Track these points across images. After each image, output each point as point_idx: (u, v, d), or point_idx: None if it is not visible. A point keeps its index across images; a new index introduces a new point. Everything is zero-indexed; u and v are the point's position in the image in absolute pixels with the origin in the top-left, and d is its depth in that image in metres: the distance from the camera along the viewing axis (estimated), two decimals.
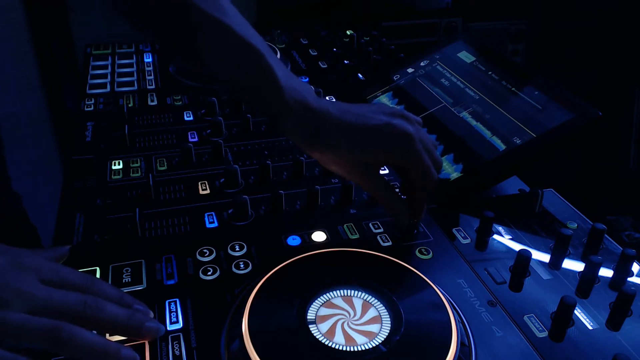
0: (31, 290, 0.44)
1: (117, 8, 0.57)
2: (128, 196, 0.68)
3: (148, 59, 1.09)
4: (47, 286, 0.45)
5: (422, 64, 0.93)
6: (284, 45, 1.18)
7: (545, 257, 0.60)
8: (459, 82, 0.85)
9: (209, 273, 0.56)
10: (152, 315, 0.50)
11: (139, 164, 0.74)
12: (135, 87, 0.97)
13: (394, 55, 1.07)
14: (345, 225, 0.64)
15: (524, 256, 0.56)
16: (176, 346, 0.48)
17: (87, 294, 0.46)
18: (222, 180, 0.72)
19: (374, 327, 0.48)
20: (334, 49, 1.13)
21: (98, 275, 0.55)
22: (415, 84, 0.89)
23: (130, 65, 1.06)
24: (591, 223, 0.64)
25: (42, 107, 1.41)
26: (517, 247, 0.61)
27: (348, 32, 1.23)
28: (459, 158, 0.73)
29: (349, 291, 0.51)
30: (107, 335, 0.47)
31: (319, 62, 1.10)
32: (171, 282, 0.55)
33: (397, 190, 0.64)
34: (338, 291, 0.51)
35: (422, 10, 1.50)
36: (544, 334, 0.50)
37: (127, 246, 0.60)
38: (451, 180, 0.71)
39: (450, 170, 0.72)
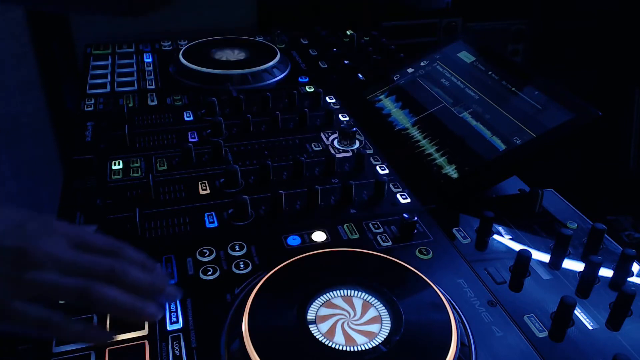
0: (61, 253, 0.46)
1: None
2: (128, 196, 0.68)
3: (148, 59, 1.09)
4: (76, 250, 0.47)
5: (422, 64, 0.93)
6: (284, 45, 1.18)
7: (545, 257, 0.60)
8: (459, 82, 0.85)
9: (209, 273, 0.56)
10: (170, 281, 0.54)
11: (139, 164, 0.74)
12: (135, 87, 0.97)
13: (394, 55, 1.07)
14: (345, 225, 0.64)
15: (524, 256, 0.56)
16: (176, 346, 0.48)
17: (114, 258, 0.49)
18: (222, 180, 0.72)
19: (374, 327, 0.48)
20: (334, 49, 1.13)
21: None
22: (415, 84, 0.89)
23: (130, 65, 1.06)
24: (591, 223, 0.64)
25: (42, 107, 1.41)
26: (517, 247, 0.61)
27: (348, 32, 1.23)
28: (458, 158, 0.73)
29: (349, 291, 0.51)
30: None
31: (319, 62, 1.10)
32: (171, 282, 0.55)
33: None
34: (338, 291, 0.51)
35: (422, 10, 1.50)
36: (544, 334, 0.50)
37: None
38: (451, 180, 0.71)
39: (450, 170, 0.72)
